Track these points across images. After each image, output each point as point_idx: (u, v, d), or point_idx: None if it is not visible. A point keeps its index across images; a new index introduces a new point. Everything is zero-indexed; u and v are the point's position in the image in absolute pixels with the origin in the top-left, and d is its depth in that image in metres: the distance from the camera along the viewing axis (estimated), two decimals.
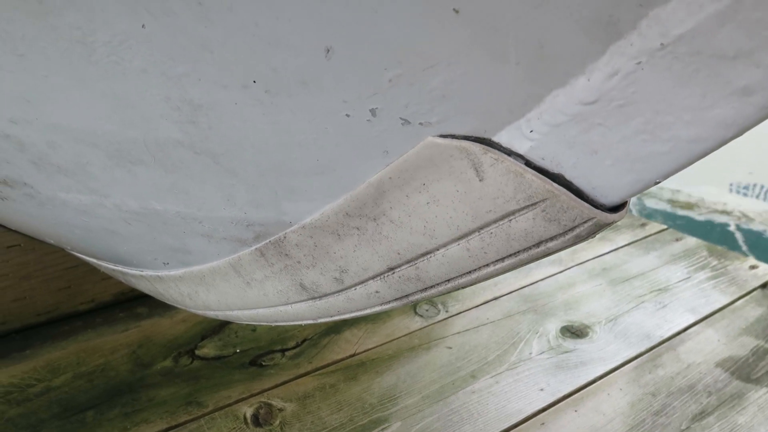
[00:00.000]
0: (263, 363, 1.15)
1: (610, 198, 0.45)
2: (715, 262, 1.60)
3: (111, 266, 1.01)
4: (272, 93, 0.47)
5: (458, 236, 0.51)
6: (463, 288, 0.58)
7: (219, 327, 1.24)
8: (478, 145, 0.45)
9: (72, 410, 1.02)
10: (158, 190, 0.63)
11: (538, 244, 0.49)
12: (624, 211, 0.47)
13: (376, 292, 0.62)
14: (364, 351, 1.20)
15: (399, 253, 0.56)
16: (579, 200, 0.45)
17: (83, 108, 0.54)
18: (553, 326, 1.30)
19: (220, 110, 0.50)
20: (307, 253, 0.63)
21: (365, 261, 0.59)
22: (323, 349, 1.20)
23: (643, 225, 1.80)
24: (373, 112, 0.46)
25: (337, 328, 1.26)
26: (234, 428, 1.00)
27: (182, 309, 1.23)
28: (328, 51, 0.42)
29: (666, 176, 0.43)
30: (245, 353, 1.18)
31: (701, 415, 1.07)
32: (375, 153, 0.50)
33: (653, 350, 1.23)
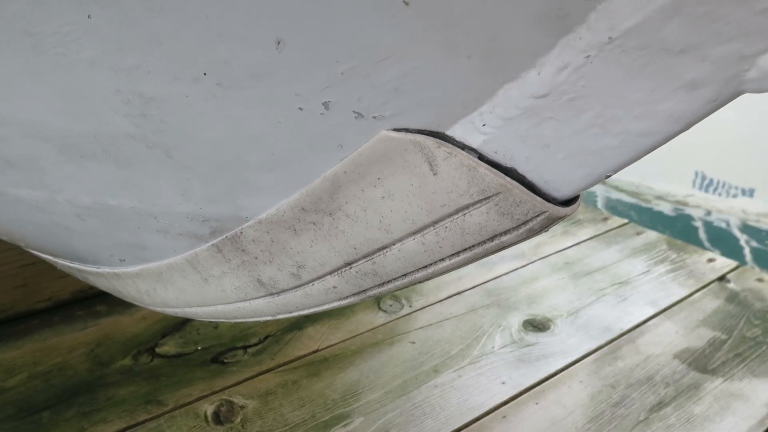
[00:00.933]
0: (225, 360, 1.14)
1: (563, 191, 0.45)
2: (674, 256, 1.63)
3: (67, 263, 0.99)
4: (224, 86, 0.46)
5: (414, 230, 0.51)
6: (420, 282, 0.58)
7: (180, 324, 1.23)
8: (431, 138, 0.45)
9: (27, 411, 1.00)
10: (111, 185, 0.61)
11: (492, 238, 0.49)
12: (576, 204, 0.47)
13: (334, 287, 0.62)
14: (327, 347, 1.19)
15: (355, 248, 0.56)
16: (531, 194, 0.45)
17: (32, 101, 0.53)
18: (515, 320, 1.31)
19: (171, 103, 0.49)
20: (264, 249, 0.62)
21: (322, 256, 0.59)
22: (286, 345, 1.19)
23: (605, 219, 1.82)
24: (326, 105, 0.46)
25: (300, 324, 1.26)
26: (194, 426, 0.98)
27: (142, 306, 1.21)
28: (279, 43, 0.42)
29: (617, 170, 0.43)
30: (207, 350, 1.17)
31: (659, 405, 1.08)
32: (329, 147, 0.49)
33: (613, 342, 1.25)
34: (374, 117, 0.46)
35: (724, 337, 1.29)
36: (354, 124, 0.47)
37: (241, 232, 0.63)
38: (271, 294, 0.68)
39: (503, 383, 1.12)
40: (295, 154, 0.51)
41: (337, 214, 0.54)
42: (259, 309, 0.72)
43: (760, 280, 1.52)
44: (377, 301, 1.35)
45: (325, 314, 1.29)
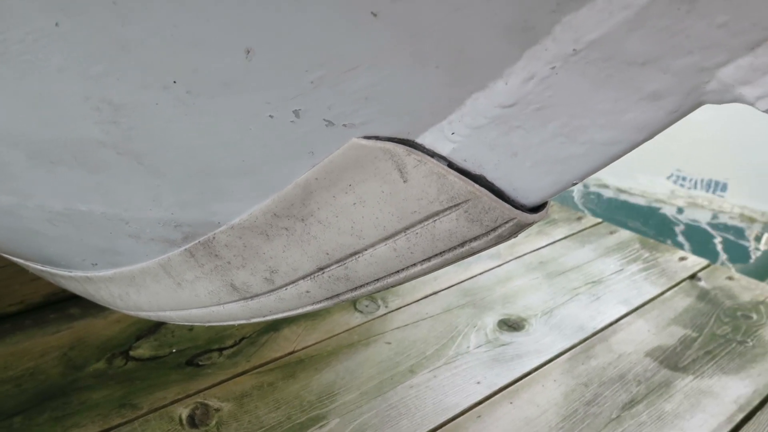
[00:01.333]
0: (200, 363, 1.14)
1: (531, 198, 0.46)
2: (646, 254, 1.65)
3: (39, 267, 0.98)
4: (194, 94, 0.46)
5: (385, 236, 0.51)
6: (392, 287, 0.58)
7: (155, 327, 1.22)
8: (401, 146, 0.46)
9: None
10: (82, 190, 0.61)
11: (462, 244, 0.49)
12: (544, 211, 0.48)
13: (307, 291, 0.62)
14: (303, 348, 1.19)
15: (328, 253, 0.56)
16: (500, 201, 0.45)
17: (0, 107, 0.52)
18: (490, 320, 1.32)
19: (141, 110, 0.49)
20: (237, 254, 0.63)
21: (295, 261, 0.59)
22: (262, 347, 1.19)
23: (579, 218, 1.84)
24: (296, 113, 0.46)
25: (276, 325, 1.26)
26: (169, 430, 0.98)
27: (115, 310, 1.20)
28: (249, 52, 0.42)
29: (583, 177, 0.44)
30: (182, 353, 1.16)
31: (631, 403, 1.10)
32: (301, 154, 0.50)
33: (586, 341, 1.27)
34: (344, 125, 0.46)
35: (694, 335, 1.31)
36: (324, 132, 0.47)
37: (214, 237, 0.63)
38: (245, 298, 0.68)
39: (478, 383, 1.13)
40: (267, 161, 0.51)
41: (310, 219, 0.54)
42: (233, 313, 0.72)
43: (730, 278, 1.55)
44: (353, 301, 1.35)
45: (301, 315, 1.29)
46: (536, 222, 0.47)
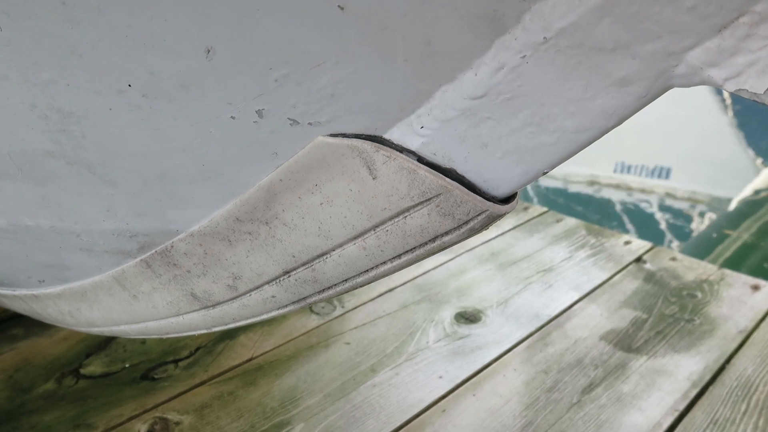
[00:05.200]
0: (155, 376, 1.10)
1: (501, 190, 0.46)
2: (593, 240, 1.68)
3: None
4: (150, 97, 0.44)
5: (354, 235, 0.51)
6: (361, 286, 0.57)
7: (105, 342, 1.18)
8: (369, 143, 0.45)
9: None
10: (28, 204, 0.58)
11: (433, 239, 0.49)
12: (515, 202, 0.48)
13: (272, 296, 0.61)
14: (262, 354, 1.17)
15: (294, 256, 0.55)
16: (472, 194, 0.45)
17: None
18: (447, 313, 1.33)
19: (93, 117, 0.46)
20: (197, 262, 0.61)
21: (259, 266, 0.58)
22: (219, 355, 1.16)
23: (525, 209, 1.87)
24: (259, 113, 0.44)
25: (231, 333, 1.23)
26: None
27: (64, 327, 1.16)
28: (209, 52, 0.40)
29: (553, 166, 0.44)
30: (135, 367, 1.13)
31: (590, 387, 1.12)
32: (264, 155, 0.48)
33: (543, 329, 1.28)
34: (310, 123, 0.45)
35: (644, 316, 1.35)
36: (289, 131, 0.46)
37: (172, 246, 0.60)
38: (206, 307, 0.66)
39: (440, 377, 1.13)
40: (228, 164, 0.50)
41: (274, 222, 0.53)
42: (193, 323, 0.70)
43: (673, 259, 1.60)
44: None
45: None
46: (508, 213, 0.47)
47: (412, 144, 0.45)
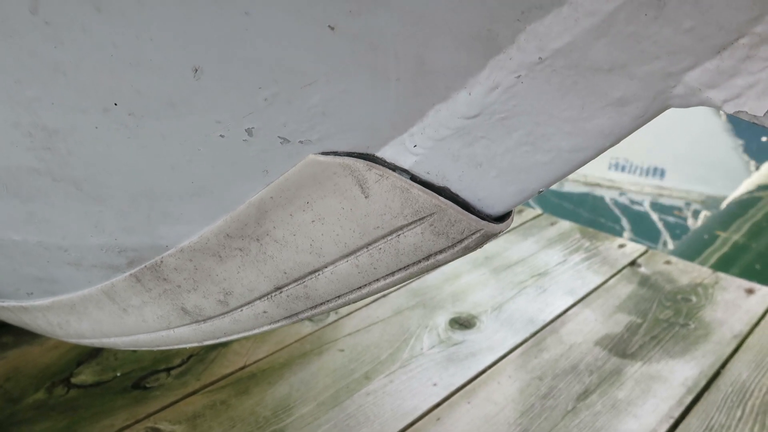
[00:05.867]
0: (147, 385, 1.09)
1: (496, 208, 0.45)
2: (587, 244, 1.68)
3: None
4: (137, 116, 0.43)
5: (346, 253, 0.50)
6: (354, 302, 0.57)
7: (96, 351, 1.16)
8: (361, 161, 0.44)
9: None
10: (14, 220, 0.57)
11: (427, 257, 0.48)
12: (509, 220, 0.47)
13: (264, 312, 0.60)
14: (255, 362, 1.16)
15: (285, 273, 0.54)
16: (466, 213, 0.44)
17: None
18: (442, 319, 1.32)
19: (79, 135, 0.45)
20: (188, 277, 0.60)
21: (250, 282, 0.57)
22: (211, 363, 1.15)
23: (519, 211, 1.86)
24: (249, 131, 0.44)
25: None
26: None
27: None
28: (197, 71, 0.39)
29: (548, 185, 0.43)
30: (127, 376, 1.12)
31: (585, 394, 1.11)
32: (254, 173, 0.47)
33: (537, 334, 1.28)
34: (301, 141, 0.44)
35: (639, 321, 1.34)
36: (279, 150, 0.45)
37: (162, 261, 0.59)
38: (197, 321, 0.65)
39: (434, 385, 1.12)
40: (218, 181, 0.49)
41: (265, 239, 0.52)
42: (184, 336, 0.69)
43: (667, 262, 1.59)
44: None
45: None
46: (502, 232, 0.47)
47: (405, 162, 0.44)
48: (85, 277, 0.66)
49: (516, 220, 1.80)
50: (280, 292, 0.56)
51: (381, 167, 0.44)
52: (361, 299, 0.55)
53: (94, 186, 0.50)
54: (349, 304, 0.56)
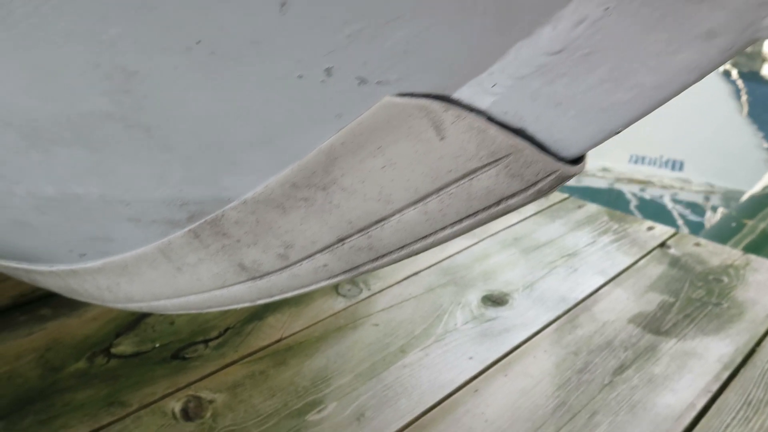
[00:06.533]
0: (186, 356, 1.10)
1: (572, 150, 0.45)
2: (615, 226, 1.67)
3: (13, 264, 0.93)
4: (218, 55, 0.43)
5: (416, 200, 0.50)
6: (416, 254, 0.57)
7: (134, 322, 1.18)
8: (438, 102, 0.44)
9: None
10: (80, 171, 0.58)
11: (498, 202, 0.48)
12: (583, 163, 0.47)
13: (324, 265, 0.60)
14: (291, 335, 1.17)
15: (351, 222, 0.54)
16: (542, 154, 0.44)
17: None
18: (474, 296, 1.32)
19: (157, 77, 0.46)
20: (248, 231, 0.60)
21: (313, 234, 0.57)
22: (248, 336, 1.16)
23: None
24: (328, 71, 0.44)
25: (259, 314, 1.23)
26: (163, 425, 0.95)
27: (93, 306, 1.16)
28: (284, 5, 0.40)
29: (627, 125, 0.43)
30: (165, 347, 1.12)
31: (621, 369, 1.11)
32: (327, 117, 0.48)
33: (570, 312, 1.28)
34: (378, 82, 0.44)
35: (671, 300, 1.34)
36: (356, 91, 0.45)
37: (223, 215, 0.60)
38: (254, 278, 0.66)
39: (470, 358, 1.12)
40: (289, 127, 0.49)
41: (332, 188, 0.53)
42: (238, 295, 0.70)
43: (697, 244, 1.59)
44: (335, 286, 1.33)
45: (284, 302, 1.26)
46: (576, 175, 0.47)
47: (483, 103, 0.44)
48: (142, 235, 0.67)
49: (543, 202, 1.80)
50: (343, 244, 0.57)
51: (458, 108, 0.44)
52: (425, 250, 0.55)
53: (165, 133, 0.51)
54: (411, 255, 0.57)
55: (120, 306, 0.87)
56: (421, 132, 0.46)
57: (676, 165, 4.97)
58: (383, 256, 0.57)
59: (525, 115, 0.44)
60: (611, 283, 1.40)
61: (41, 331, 1.15)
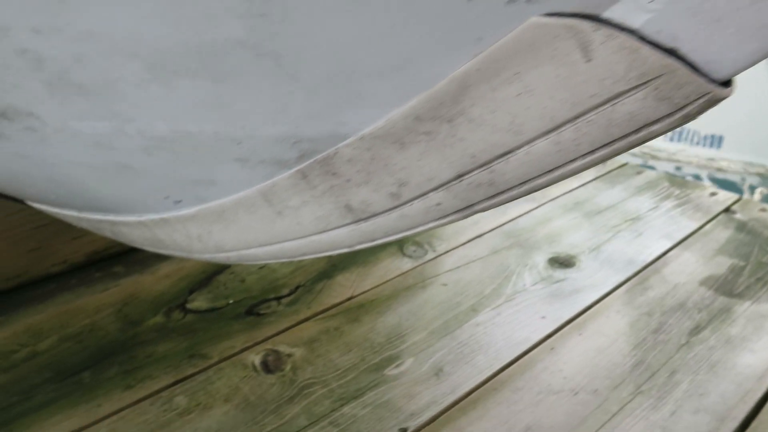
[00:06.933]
0: (260, 312, 1.11)
1: (724, 72, 0.44)
2: (677, 192, 1.65)
3: (98, 217, 0.94)
4: None
5: (550, 129, 0.49)
6: (536, 191, 0.56)
7: (206, 280, 1.19)
8: (588, 22, 0.43)
9: (65, 373, 0.96)
10: (198, 106, 0.57)
11: (639, 129, 0.47)
12: (733, 87, 0.46)
13: (437, 204, 0.59)
14: (361, 293, 1.17)
15: (473, 157, 0.53)
16: (695, 75, 0.43)
17: (128, 8, 0.48)
18: (540, 258, 1.31)
19: None
20: (361, 169, 0.59)
21: (431, 170, 0.56)
22: (319, 294, 1.17)
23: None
24: None
25: (328, 273, 1.23)
26: (245, 376, 0.95)
27: (164, 264, 1.17)
28: None
29: None
30: (239, 304, 1.13)
31: (696, 329, 1.10)
32: (466, 41, 0.47)
33: (640, 274, 1.26)
34: (527, 0, 0.43)
35: (742, 263, 1.31)
36: (502, 11, 0.44)
37: (336, 153, 0.59)
38: (359, 220, 0.65)
39: (543, 318, 1.12)
40: (425, 53, 0.48)
41: (458, 119, 0.52)
42: (337, 240, 0.70)
43: (763, 210, 1.56)
44: (400, 247, 1.33)
45: (351, 263, 1.26)
46: (726, 98, 0.45)
47: (636, 22, 0.43)
48: (246, 177, 0.66)
49: (601, 168, 1.77)
50: (461, 180, 0.56)
51: (609, 27, 0.43)
52: (547, 185, 0.54)
53: (294, 61, 0.50)
54: (531, 192, 0.56)
55: (206, 257, 0.87)
56: (566, 54, 0.44)
57: (714, 141, 4.87)
58: (502, 192, 0.56)
59: (679, 33, 0.42)
60: (678, 247, 1.38)
61: (116, 288, 1.17)
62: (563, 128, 0.48)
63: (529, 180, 0.54)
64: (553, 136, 0.49)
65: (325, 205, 0.65)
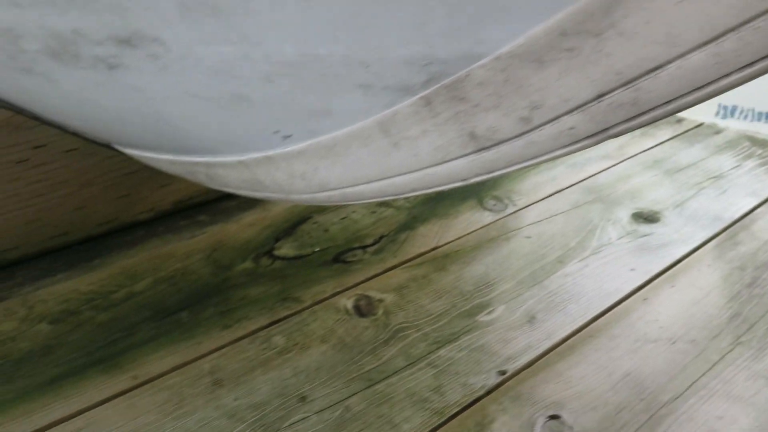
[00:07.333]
0: (347, 260, 1.12)
1: None
2: (760, 151, 1.60)
3: (195, 159, 0.94)
4: None
5: (710, 38, 0.47)
6: (678, 111, 0.54)
7: (290, 228, 1.20)
8: None
9: (163, 312, 0.98)
10: (332, 24, 0.56)
11: None
12: None
13: (570, 128, 0.58)
14: (445, 244, 1.17)
15: (619, 74, 0.52)
16: None
17: None
18: (623, 213, 1.29)
19: None
20: (492, 92, 0.58)
21: (569, 90, 0.55)
22: (403, 244, 1.17)
23: (679, 121, 1.79)
24: None
25: (410, 224, 1.23)
26: (339, 319, 0.96)
27: (247, 213, 1.18)
28: None
29: None
30: (325, 252, 1.14)
31: None
32: None
33: (728, 230, 1.23)
34: None
35: None
36: None
37: (467, 75, 0.58)
38: (481, 149, 0.64)
39: (632, 270, 1.10)
40: None
41: (607, 33, 0.50)
42: (453, 172, 0.69)
43: None
44: (480, 201, 1.32)
45: (432, 215, 1.26)
46: None
47: None
48: (366, 105, 0.66)
49: (677, 128, 1.73)
50: (601, 101, 0.54)
51: None
52: (692, 105, 0.53)
53: None
54: (673, 113, 0.54)
55: (305, 197, 0.87)
56: None
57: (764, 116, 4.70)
58: (644, 113, 0.54)
59: None
60: (766, 205, 1.34)
61: (203, 235, 1.19)
62: (725, 37, 0.46)
63: (678, 98, 0.52)
64: (711, 47, 0.47)
65: (447, 134, 0.64)
